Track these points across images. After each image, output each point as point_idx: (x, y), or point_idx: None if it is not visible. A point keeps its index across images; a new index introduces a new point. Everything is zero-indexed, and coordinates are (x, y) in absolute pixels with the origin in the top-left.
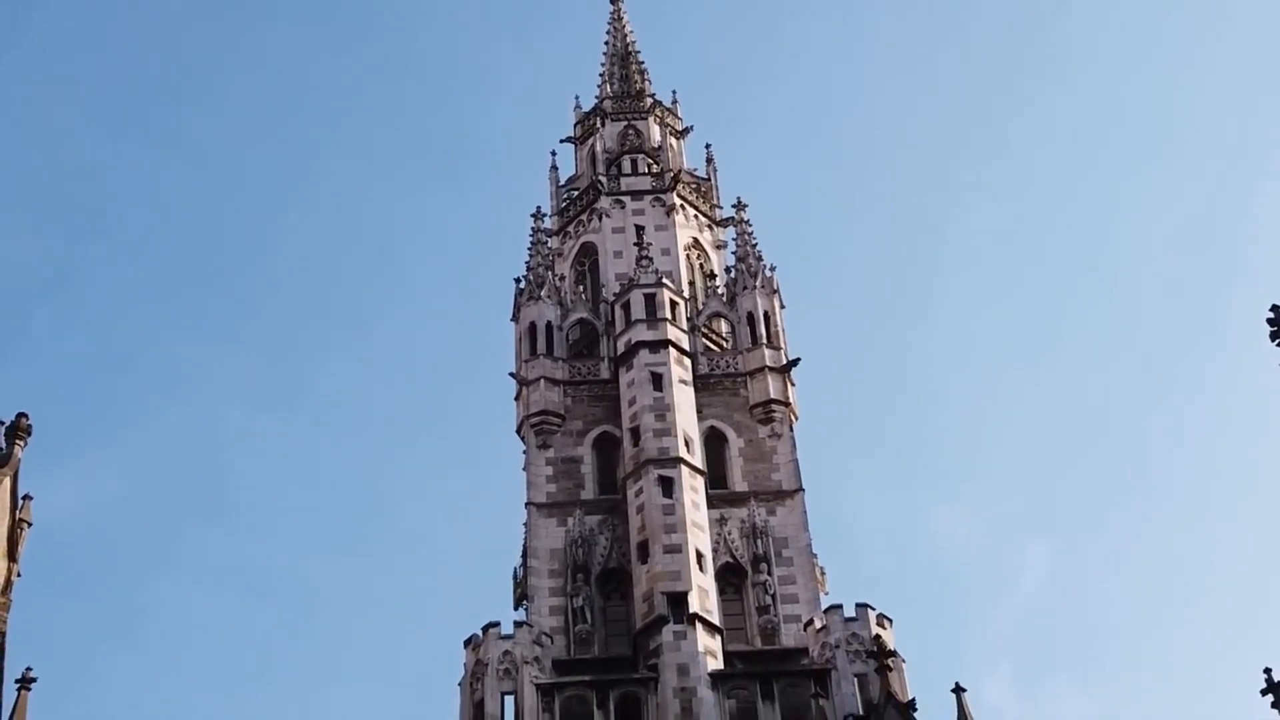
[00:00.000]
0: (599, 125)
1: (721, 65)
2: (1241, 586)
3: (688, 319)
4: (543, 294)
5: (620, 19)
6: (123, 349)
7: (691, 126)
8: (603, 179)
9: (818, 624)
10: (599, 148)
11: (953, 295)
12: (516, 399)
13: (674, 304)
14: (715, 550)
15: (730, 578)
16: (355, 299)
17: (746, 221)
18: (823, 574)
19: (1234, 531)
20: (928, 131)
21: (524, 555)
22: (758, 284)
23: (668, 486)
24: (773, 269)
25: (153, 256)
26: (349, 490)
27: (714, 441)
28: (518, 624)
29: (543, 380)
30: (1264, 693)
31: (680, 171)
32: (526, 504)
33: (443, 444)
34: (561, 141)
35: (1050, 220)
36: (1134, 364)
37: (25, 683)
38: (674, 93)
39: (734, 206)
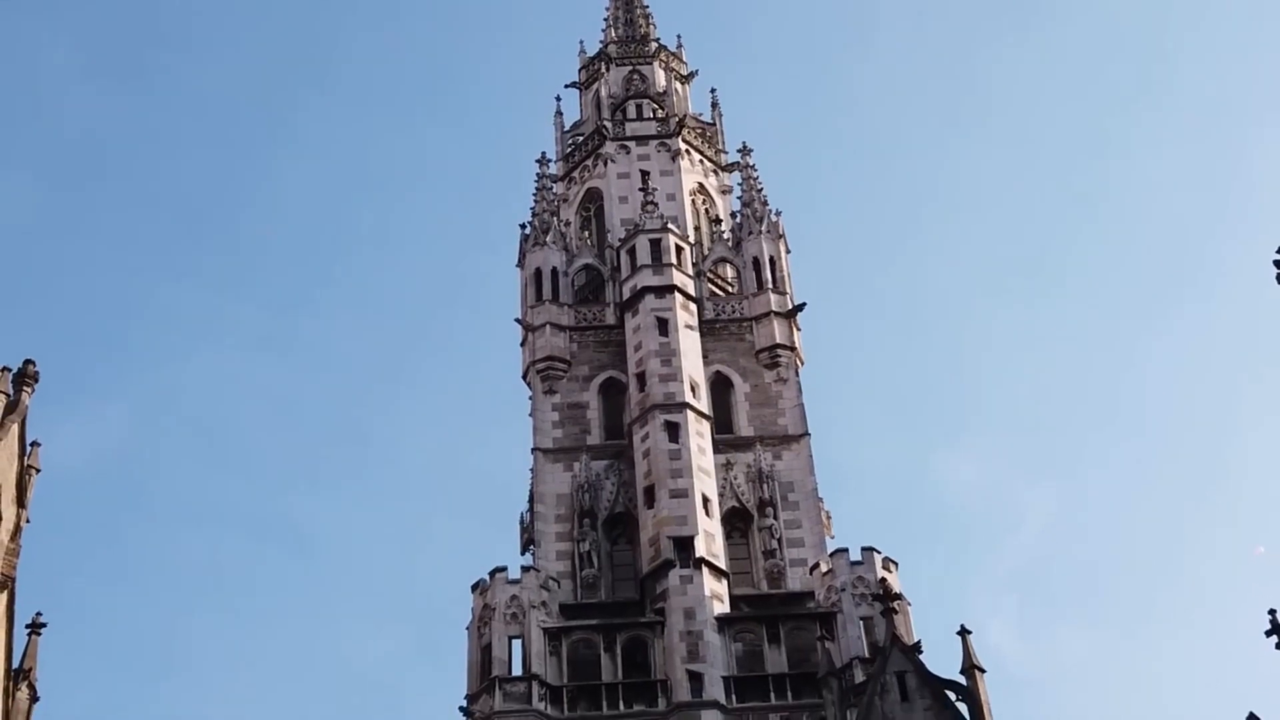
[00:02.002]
0: (604, 70)
1: (726, 9)
2: (1246, 528)
3: (693, 264)
4: (548, 240)
5: None
6: (121, 295)
7: (696, 71)
8: (608, 124)
9: (823, 567)
10: (604, 93)
11: (957, 239)
12: (522, 345)
13: (679, 249)
14: (721, 495)
15: (736, 522)
16: (359, 246)
17: (752, 166)
18: (828, 518)
19: (1239, 473)
20: (930, 72)
21: (530, 500)
22: (763, 229)
23: (674, 431)
24: (778, 214)
25: (154, 203)
26: (355, 436)
27: (720, 386)
28: (525, 569)
29: (548, 326)
30: (1268, 634)
31: (685, 116)
32: (533, 449)
33: (449, 390)
34: (566, 86)
35: (1052, 160)
36: (1136, 305)
37: (36, 627)
38: (679, 37)
39: (739, 151)
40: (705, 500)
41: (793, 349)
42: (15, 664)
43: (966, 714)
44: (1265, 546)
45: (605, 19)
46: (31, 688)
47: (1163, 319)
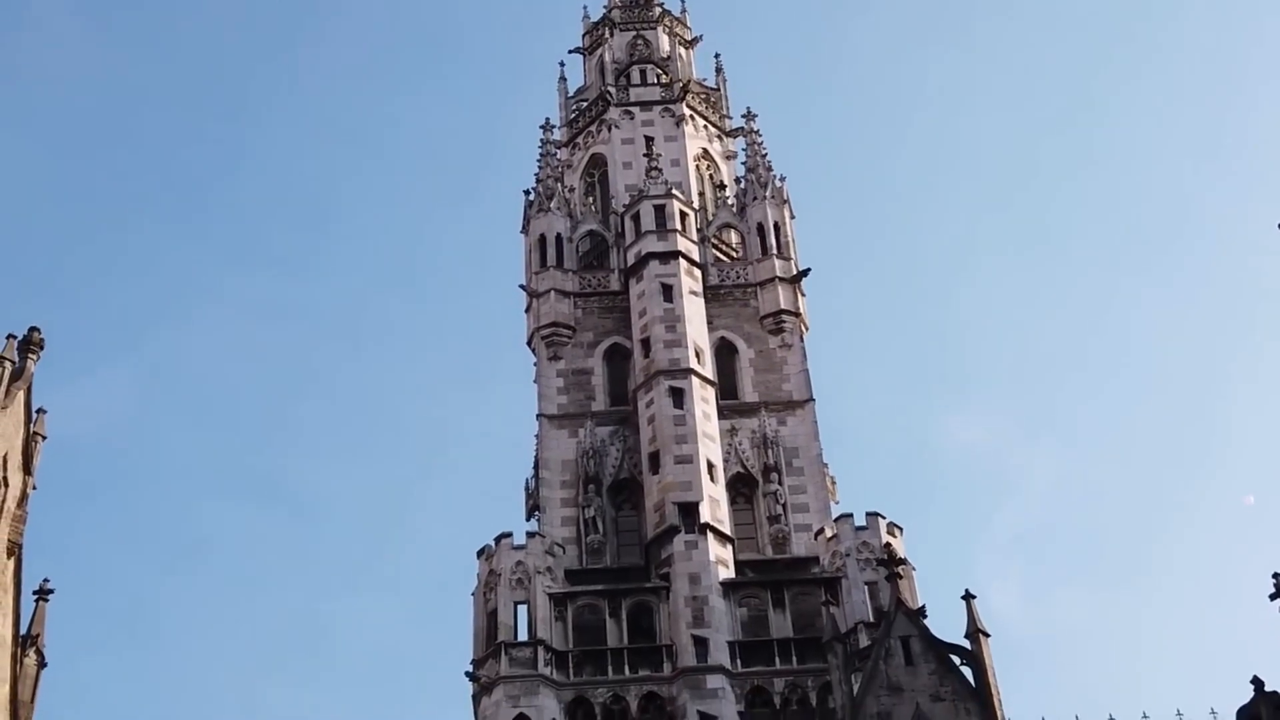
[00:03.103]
0: (607, 35)
1: None
2: (1247, 487)
3: (698, 230)
4: (552, 206)
5: None
6: (128, 262)
7: (701, 36)
8: (612, 90)
9: (828, 533)
10: (608, 58)
11: (961, 204)
12: (527, 311)
13: (684, 215)
14: (726, 460)
15: (741, 487)
16: (362, 212)
17: (756, 132)
18: (833, 483)
19: (1238, 430)
20: (936, 35)
21: (535, 467)
22: (768, 194)
23: (678, 397)
24: (782, 179)
25: (160, 170)
26: (361, 403)
27: (724, 352)
28: (530, 534)
29: (553, 292)
30: (1273, 597)
31: (690, 82)
32: (538, 416)
33: (454, 356)
34: (570, 52)
35: (1060, 120)
36: (1140, 265)
37: (43, 594)
38: (683, 2)
39: (743, 117)
40: (710, 466)
41: (797, 314)
42: (23, 630)
43: (971, 678)
44: (1254, 496)
45: None
46: (39, 654)
47: (1160, 278)
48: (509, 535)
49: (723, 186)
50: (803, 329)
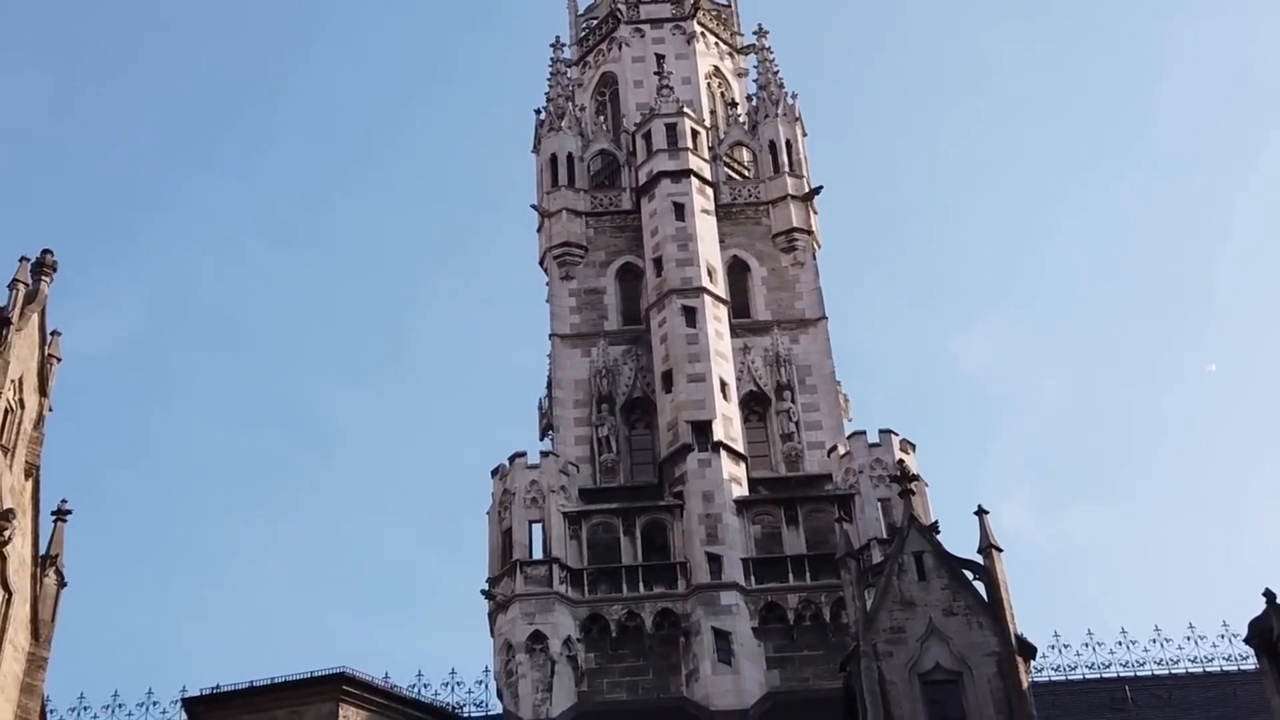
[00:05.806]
0: None
1: None
2: (1265, 408)
3: (709, 148)
4: (563, 125)
5: None
6: (137, 185)
7: None
8: (622, 7)
9: (841, 450)
10: None
11: (973, 119)
12: (539, 231)
13: (695, 133)
14: (739, 379)
15: (754, 406)
16: (374, 134)
17: (768, 49)
18: (846, 401)
19: (1260, 351)
20: None
21: (549, 386)
22: (779, 112)
23: (691, 316)
24: (794, 96)
25: (171, 92)
26: (373, 325)
27: (737, 270)
28: (544, 454)
29: (564, 211)
30: None
31: None
32: (550, 335)
33: (466, 277)
34: None
35: (1077, 43)
36: (1153, 186)
37: (61, 514)
38: None
39: (755, 34)
40: (723, 384)
41: (809, 232)
42: (42, 550)
43: (983, 592)
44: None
45: None
46: (58, 573)
47: (1182, 201)
48: (523, 454)
49: (734, 104)
50: (815, 247)
